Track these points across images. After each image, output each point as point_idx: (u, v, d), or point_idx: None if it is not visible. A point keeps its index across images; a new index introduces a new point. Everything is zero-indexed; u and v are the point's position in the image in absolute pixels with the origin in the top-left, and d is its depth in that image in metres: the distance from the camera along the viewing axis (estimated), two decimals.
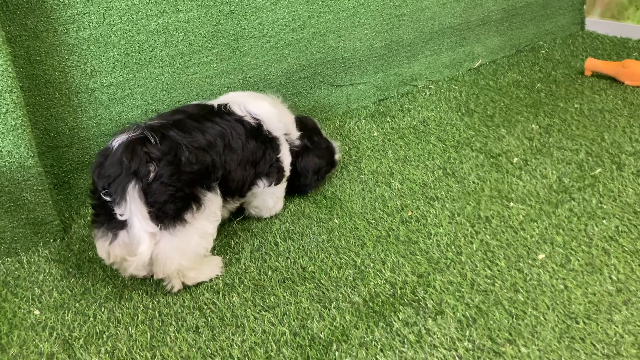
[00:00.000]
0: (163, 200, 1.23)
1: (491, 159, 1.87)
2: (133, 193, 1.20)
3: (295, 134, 1.66)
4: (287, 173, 1.62)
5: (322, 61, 2.14)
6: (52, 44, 1.56)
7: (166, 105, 1.81)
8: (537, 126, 2.07)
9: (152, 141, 1.25)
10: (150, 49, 1.72)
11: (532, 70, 2.59)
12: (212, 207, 1.34)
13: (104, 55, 1.65)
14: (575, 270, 1.37)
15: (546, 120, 2.11)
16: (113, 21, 1.63)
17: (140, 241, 1.21)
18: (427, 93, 2.41)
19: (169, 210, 1.24)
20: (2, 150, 1.41)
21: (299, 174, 1.68)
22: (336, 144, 1.81)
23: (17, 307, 1.35)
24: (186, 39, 1.78)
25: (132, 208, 1.20)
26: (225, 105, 1.46)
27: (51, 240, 1.57)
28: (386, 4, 2.21)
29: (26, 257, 1.51)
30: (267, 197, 1.59)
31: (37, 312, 1.33)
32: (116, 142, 1.25)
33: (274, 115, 1.57)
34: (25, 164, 1.45)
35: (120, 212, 1.21)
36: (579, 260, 1.40)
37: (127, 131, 1.27)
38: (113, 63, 1.67)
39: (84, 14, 1.58)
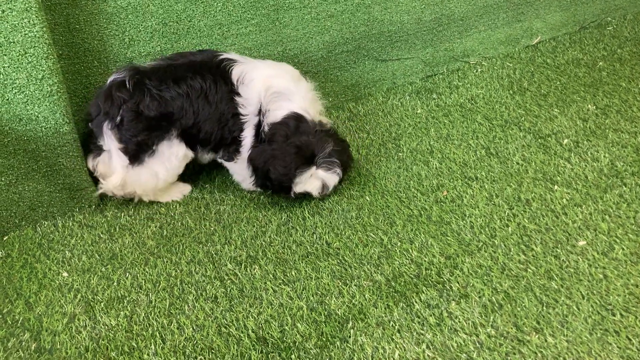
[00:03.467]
0: (127, 139, 1.47)
1: (539, 140, 1.77)
2: (107, 131, 1.48)
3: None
4: (243, 154, 1.57)
5: (367, 34, 2.07)
6: (91, 12, 1.58)
7: None
8: (594, 107, 1.94)
9: (127, 86, 1.45)
10: (189, 19, 1.71)
11: (596, 48, 2.42)
12: (167, 153, 1.52)
13: (142, 25, 1.65)
14: (618, 260, 1.28)
15: (604, 101, 1.97)
16: None
17: (114, 171, 1.51)
18: (479, 70, 2.30)
19: (131, 150, 1.48)
20: (39, 115, 1.44)
21: None
22: (314, 182, 1.53)
23: (48, 268, 1.38)
24: (225, 9, 1.76)
25: (109, 143, 1.49)
26: (228, 66, 1.54)
27: (86, 206, 1.61)
28: None
29: (62, 221, 1.55)
30: (232, 171, 1.65)
31: (65, 274, 1.36)
32: (109, 81, 1.49)
33: (258, 93, 1.55)
34: (61, 130, 1.48)
35: (101, 144, 1.51)
36: (623, 249, 1.30)
37: (119, 72, 1.49)
38: (151, 32, 1.68)
39: None
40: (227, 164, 1.64)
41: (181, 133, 1.52)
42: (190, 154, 1.57)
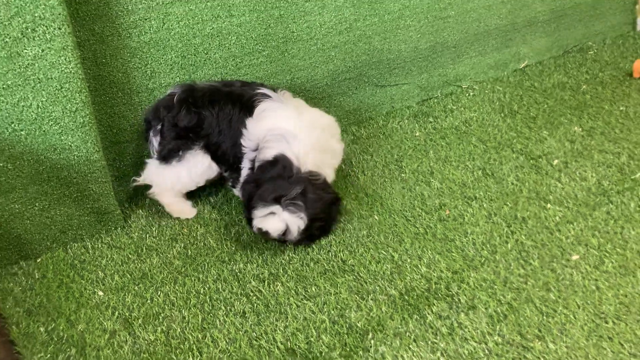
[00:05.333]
0: (162, 145, 1.68)
1: (531, 161, 1.91)
2: (151, 138, 1.70)
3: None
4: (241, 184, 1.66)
5: (367, 62, 2.21)
6: (116, 47, 1.69)
7: None
8: (580, 128, 2.09)
9: (173, 101, 1.67)
10: (205, 52, 1.83)
11: (579, 72, 2.59)
12: (192, 160, 1.69)
13: (162, 58, 1.77)
14: (608, 272, 1.41)
15: (589, 123, 2.12)
16: (171, 26, 1.75)
17: (147, 168, 1.73)
18: (471, 94, 2.45)
19: (164, 154, 1.68)
20: (72, 145, 1.55)
21: None
22: (272, 221, 1.50)
23: (83, 288, 1.48)
24: (238, 42, 1.88)
25: (152, 148, 1.72)
26: (257, 100, 1.66)
27: (113, 228, 1.71)
28: (431, 7, 2.26)
29: (90, 243, 1.65)
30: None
31: (100, 293, 1.46)
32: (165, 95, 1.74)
33: (262, 131, 1.62)
34: (92, 157, 1.59)
35: (150, 148, 1.74)
36: (612, 263, 1.44)
37: (175, 88, 1.72)
38: (171, 65, 1.79)
39: (145, 19, 1.70)
40: (232, 190, 1.79)
41: (206, 146, 1.69)
42: (215, 167, 1.73)
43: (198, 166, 1.70)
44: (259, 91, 1.68)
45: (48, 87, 1.47)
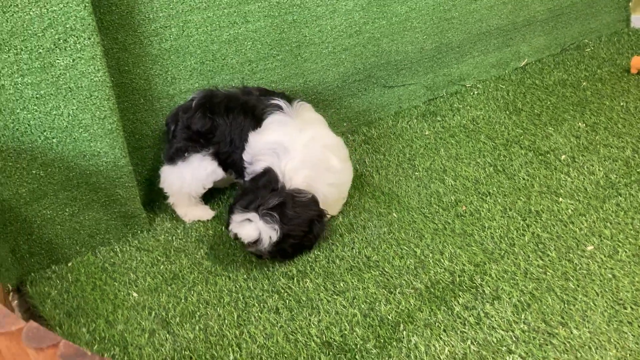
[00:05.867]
0: (172, 146, 1.72)
1: (540, 157, 1.98)
2: (169, 139, 1.74)
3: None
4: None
5: (376, 64, 2.27)
6: (138, 55, 1.73)
7: None
8: (584, 124, 2.16)
9: (191, 105, 1.72)
10: (223, 58, 1.88)
11: (578, 69, 2.66)
12: (196, 164, 1.71)
13: (182, 64, 1.82)
14: (623, 261, 1.48)
15: (592, 119, 2.20)
16: (190, 33, 1.79)
17: (162, 167, 1.77)
18: (475, 92, 2.51)
19: (172, 154, 1.72)
20: (100, 151, 1.59)
21: None
22: (247, 229, 1.51)
23: (117, 290, 1.53)
24: (254, 47, 1.93)
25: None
26: (267, 113, 1.67)
27: (139, 232, 1.75)
28: (436, 9, 2.32)
29: (118, 247, 1.69)
30: None
31: (135, 294, 1.51)
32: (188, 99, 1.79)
33: (259, 144, 1.63)
34: (119, 163, 1.63)
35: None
36: (626, 252, 1.51)
37: (197, 92, 1.77)
38: (190, 71, 1.84)
39: (166, 27, 1.74)
40: None
41: (216, 154, 1.71)
42: (220, 172, 1.74)
43: (201, 169, 1.72)
44: (272, 102, 1.69)
45: (78, 96, 1.51)
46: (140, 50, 1.73)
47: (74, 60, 1.47)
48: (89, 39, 1.47)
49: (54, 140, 1.52)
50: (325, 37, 2.09)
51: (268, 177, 1.57)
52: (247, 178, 1.65)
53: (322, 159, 1.62)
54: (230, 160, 1.71)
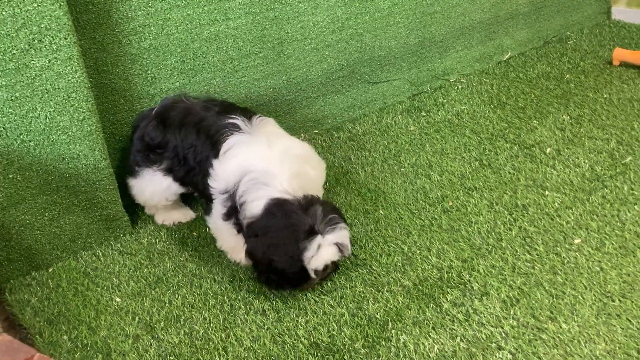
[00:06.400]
0: (130, 156, 1.69)
1: (525, 150, 1.97)
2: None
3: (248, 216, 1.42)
4: (212, 219, 1.55)
5: (360, 60, 2.25)
6: (117, 55, 1.70)
7: None
8: (568, 117, 2.16)
9: (148, 116, 1.66)
10: (204, 56, 1.85)
11: (561, 62, 2.66)
12: (149, 178, 1.64)
13: (162, 64, 1.78)
14: (610, 253, 1.48)
15: (576, 111, 2.20)
16: (170, 31, 1.76)
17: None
18: (460, 87, 2.50)
19: (129, 165, 1.69)
20: (80, 153, 1.55)
21: None
22: (322, 256, 1.36)
23: (100, 295, 1.49)
24: (235, 44, 1.90)
25: None
26: (224, 135, 1.50)
27: (121, 235, 1.72)
28: (419, 3, 2.31)
29: (100, 251, 1.66)
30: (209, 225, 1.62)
31: (118, 299, 1.48)
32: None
33: (231, 173, 1.46)
34: (99, 165, 1.60)
35: None
36: (613, 244, 1.51)
37: (165, 99, 1.69)
38: (170, 70, 1.80)
39: (145, 25, 1.71)
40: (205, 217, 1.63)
41: (169, 170, 1.61)
42: (177, 188, 1.64)
43: (156, 185, 1.64)
44: (229, 121, 1.52)
45: (56, 97, 1.47)
46: (119, 49, 1.70)
47: (49, 61, 1.43)
48: (65, 39, 1.43)
49: (31, 143, 1.49)
50: (308, 33, 2.06)
51: (279, 207, 1.38)
52: (218, 205, 1.49)
53: (302, 169, 1.49)
54: (188, 179, 1.59)
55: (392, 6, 2.23)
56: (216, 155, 1.49)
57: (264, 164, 1.42)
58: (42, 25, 1.39)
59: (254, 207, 1.38)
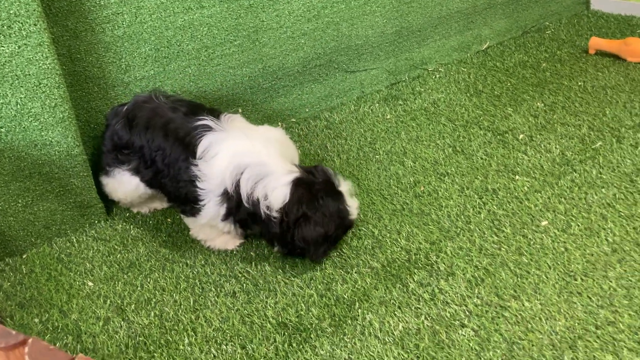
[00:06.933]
0: (103, 154, 1.67)
1: (498, 136, 2.00)
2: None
3: (275, 205, 1.41)
4: (202, 221, 1.52)
5: (337, 49, 2.27)
6: (90, 43, 1.71)
7: (193, 95, 1.95)
8: (542, 104, 2.19)
9: (119, 113, 1.63)
10: (178, 44, 1.86)
11: (538, 51, 2.69)
12: (119, 178, 1.64)
13: (136, 51, 1.79)
14: (575, 235, 1.50)
15: (551, 98, 2.22)
16: (144, 19, 1.77)
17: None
18: (437, 76, 2.52)
19: (102, 163, 1.69)
20: (52, 140, 1.57)
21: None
22: (353, 204, 1.49)
23: (73, 280, 1.51)
24: (210, 33, 1.92)
25: None
26: (197, 136, 1.48)
27: (96, 222, 1.73)
28: None
29: (75, 237, 1.67)
30: (186, 222, 1.62)
31: (90, 283, 1.49)
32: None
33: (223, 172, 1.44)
34: (72, 152, 1.61)
35: None
36: (578, 226, 1.53)
37: (138, 95, 1.66)
38: (145, 58, 1.82)
39: (118, 13, 1.72)
40: (184, 217, 1.62)
41: (136, 170, 1.60)
42: (144, 189, 1.62)
43: (126, 184, 1.63)
44: (199, 123, 1.50)
45: (26, 84, 1.48)
46: (92, 37, 1.71)
47: (19, 47, 1.44)
48: (35, 25, 1.44)
49: (3, 129, 1.50)
50: (283, 21, 2.07)
51: (305, 184, 1.43)
52: (212, 202, 1.46)
53: (283, 149, 1.52)
54: (156, 182, 1.57)
55: None
56: (194, 157, 1.46)
57: (254, 157, 1.43)
58: (11, 12, 1.40)
59: (278, 195, 1.39)
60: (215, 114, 1.55)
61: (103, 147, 1.65)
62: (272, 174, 1.41)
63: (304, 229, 1.40)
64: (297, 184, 1.41)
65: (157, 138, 1.52)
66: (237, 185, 1.42)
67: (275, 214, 1.39)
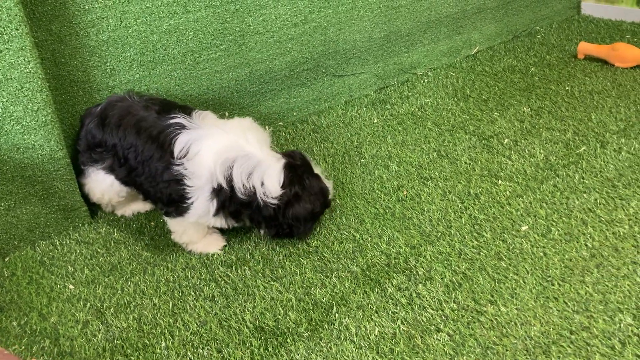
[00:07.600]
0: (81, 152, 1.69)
1: (483, 141, 2.00)
2: None
3: (273, 191, 1.48)
4: (191, 219, 1.52)
5: (324, 53, 2.27)
6: (75, 47, 1.72)
7: (179, 99, 1.96)
8: (529, 109, 2.20)
9: (92, 114, 1.65)
10: (163, 48, 1.87)
11: (527, 55, 2.70)
12: (94, 177, 1.66)
13: (121, 55, 1.80)
14: (555, 239, 1.51)
15: (537, 103, 2.23)
16: (129, 24, 1.78)
17: None
18: (426, 80, 2.53)
19: (80, 162, 1.70)
20: (35, 144, 1.57)
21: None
22: (329, 183, 1.62)
23: (54, 283, 1.51)
24: (196, 37, 1.92)
25: None
26: (173, 134, 1.49)
27: (80, 225, 1.74)
28: None
29: (58, 240, 1.68)
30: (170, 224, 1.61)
31: (71, 287, 1.50)
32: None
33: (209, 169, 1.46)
34: (56, 156, 1.62)
35: None
36: (558, 231, 1.54)
37: (112, 96, 1.69)
38: (130, 62, 1.82)
39: (103, 18, 1.73)
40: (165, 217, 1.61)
41: (111, 168, 1.61)
42: (119, 187, 1.64)
43: (102, 183, 1.65)
44: (172, 121, 1.51)
45: (8, 88, 1.49)
46: (76, 41, 1.72)
47: (1, 51, 1.45)
48: (17, 29, 1.45)
49: None
50: (270, 26, 2.08)
51: (291, 168, 1.52)
52: (203, 196, 1.47)
53: (258, 136, 1.56)
54: (131, 180, 1.59)
55: (355, 0, 2.26)
56: (170, 156, 1.47)
57: (238, 150, 1.48)
58: None
59: (273, 182, 1.48)
60: (187, 111, 1.57)
61: (78, 147, 1.67)
62: (262, 163, 1.48)
63: (296, 207, 1.50)
64: (287, 168, 1.50)
65: (130, 136, 1.54)
66: (230, 179, 1.45)
67: (271, 200, 1.47)
